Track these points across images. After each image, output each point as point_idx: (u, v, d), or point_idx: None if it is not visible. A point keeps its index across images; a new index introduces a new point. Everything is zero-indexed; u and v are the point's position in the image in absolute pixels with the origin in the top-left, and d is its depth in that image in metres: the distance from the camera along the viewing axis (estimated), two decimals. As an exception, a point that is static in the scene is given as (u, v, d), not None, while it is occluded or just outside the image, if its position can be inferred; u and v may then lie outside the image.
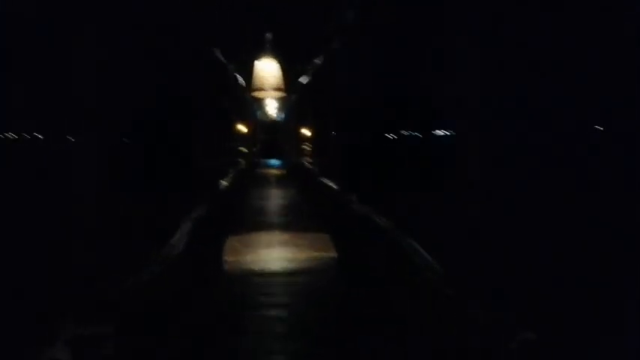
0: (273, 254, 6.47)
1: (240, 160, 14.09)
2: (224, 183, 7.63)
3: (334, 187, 6.94)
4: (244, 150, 16.04)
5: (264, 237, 7.41)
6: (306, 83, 10.71)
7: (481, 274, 3.64)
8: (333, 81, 8.18)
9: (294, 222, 8.65)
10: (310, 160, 12.87)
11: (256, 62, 7.56)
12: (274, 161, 26.15)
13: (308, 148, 16.60)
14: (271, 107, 17.71)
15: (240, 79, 11.46)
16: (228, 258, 6.19)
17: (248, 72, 9.00)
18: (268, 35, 6.85)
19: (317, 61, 9.28)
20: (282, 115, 25.05)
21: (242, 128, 16.55)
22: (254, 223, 8.55)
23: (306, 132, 18.24)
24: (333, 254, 6.40)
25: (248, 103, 16.46)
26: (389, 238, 4.01)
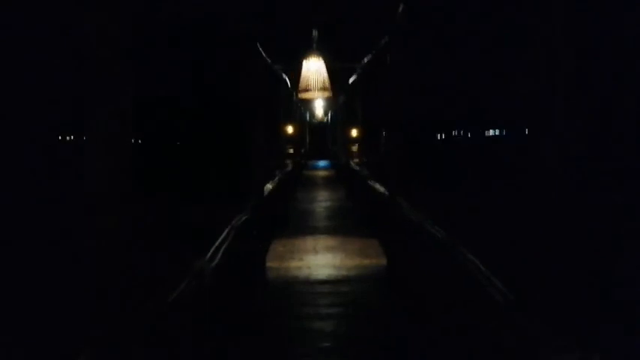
0: (319, 260, 6.21)
1: (287, 161, 13.98)
2: (269, 186, 7.44)
3: (383, 190, 6.61)
4: (291, 151, 15.95)
5: (310, 242, 7.16)
6: (355, 82, 10.42)
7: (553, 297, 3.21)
8: (383, 79, 7.84)
9: (341, 226, 8.37)
10: (358, 161, 12.58)
11: (303, 62, 7.32)
12: (322, 162, 26.01)
13: (356, 150, 16.30)
14: (319, 108, 17.54)
15: (287, 80, 11.31)
16: (272, 264, 5.99)
17: (295, 72, 8.78)
18: (314, 33, 6.59)
19: (365, 59, 8.97)
20: (330, 116, 24.87)
21: (289, 129, 16.47)
22: (300, 227, 8.34)
23: (354, 133, 17.94)
24: (382, 261, 6.08)
25: (295, 104, 16.35)
26: (443, 247, 3.67)
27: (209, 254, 3.04)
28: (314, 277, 5.52)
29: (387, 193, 6.21)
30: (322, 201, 11.60)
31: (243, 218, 4.37)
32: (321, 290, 5.05)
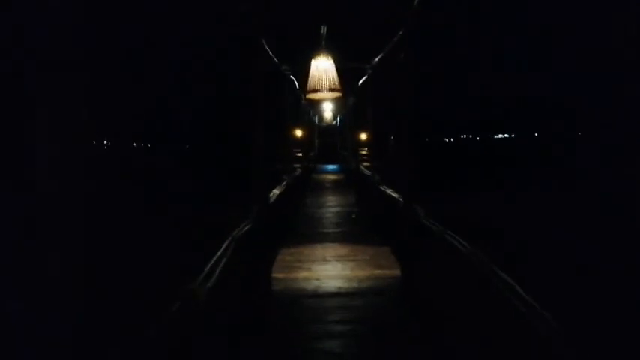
0: (329, 271, 5.84)
1: (295, 165, 13.66)
2: (276, 191, 7.09)
3: (397, 196, 6.24)
4: (300, 155, 15.61)
5: (319, 251, 6.80)
6: (364, 84, 10.06)
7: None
8: (394, 79, 7.50)
9: (351, 233, 8.00)
10: (368, 165, 12.22)
11: (311, 62, 6.98)
12: (331, 166, 25.63)
13: (366, 153, 15.95)
14: (327, 111, 17.19)
15: (295, 81, 10.98)
16: (278, 275, 5.63)
17: (303, 73, 8.45)
18: (323, 29, 6.25)
19: (376, 59, 8.62)
20: (339, 120, 24.48)
21: (297, 133, 16.14)
22: (308, 234, 7.98)
23: (363, 136, 17.60)
24: (396, 272, 5.70)
25: (303, 107, 16.01)
26: (465, 259, 3.31)
27: (205, 271, 2.68)
28: (323, 289, 5.16)
29: (400, 199, 5.83)
30: (332, 206, 11.24)
31: (246, 228, 4.01)
32: (331, 304, 4.69)
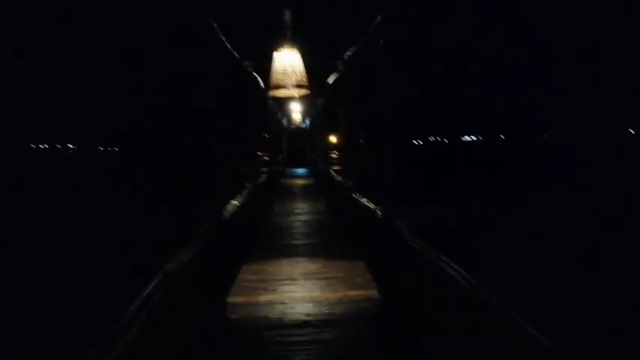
0: (296, 292, 5.08)
1: (261, 169, 12.87)
2: (236, 202, 6.30)
3: (373, 207, 5.53)
4: (266, 158, 14.80)
5: (286, 267, 6.03)
6: (335, 82, 9.35)
7: None
8: (367, 76, 6.81)
9: (321, 245, 7.26)
10: (339, 169, 11.54)
11: (274, 54, 6.21)
12: (300, 170, 24.87)
13: (336, 157, 15.28)
14: (296, 112, 16.41)
15: (260, 81, 10.20)
16: (238, 299, 4.83)
17: (268, 70, 7.62)
18: (287, 14, 5.49)
19: (347, 54, 7.91)
20: (309, 121, 23.72)
21: (264, 135, 15.35)
22: (274, 247, 7.21)
23: (333, 139, 16.93)
24: (372, 292, 4.99)
25: (270, 107, 15.21)
26: (455, 281, 2.67)
27: (154, 285, 1.90)
28: (289, 317, 4.40)
29: (377, 210, 5.13)
30: (301, 214, 10.49)
31: (187, 256, 3.21)
32: (299, 338, 3.93)
